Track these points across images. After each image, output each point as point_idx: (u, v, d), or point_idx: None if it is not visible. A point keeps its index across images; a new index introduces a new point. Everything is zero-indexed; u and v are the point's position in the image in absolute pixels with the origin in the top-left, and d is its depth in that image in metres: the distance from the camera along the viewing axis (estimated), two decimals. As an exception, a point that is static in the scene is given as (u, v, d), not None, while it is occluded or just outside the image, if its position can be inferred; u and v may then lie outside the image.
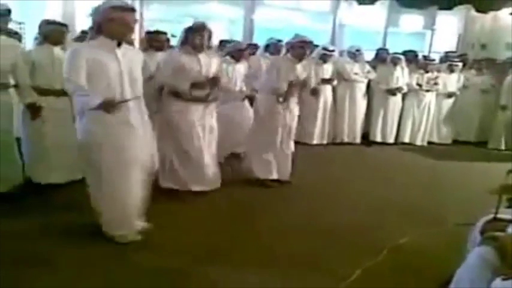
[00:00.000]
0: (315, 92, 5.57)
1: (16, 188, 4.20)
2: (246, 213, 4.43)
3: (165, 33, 5.74)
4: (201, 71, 4.39)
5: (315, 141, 7.75)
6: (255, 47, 7.47)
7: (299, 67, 5.06)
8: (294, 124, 5.31)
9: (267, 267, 3.31)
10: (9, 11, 4.23)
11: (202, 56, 4.41)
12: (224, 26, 14.87)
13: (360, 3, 12.85)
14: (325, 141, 7.85)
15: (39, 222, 3.72)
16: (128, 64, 3.33)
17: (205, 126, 4.54)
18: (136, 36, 10.24)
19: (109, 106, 3.16)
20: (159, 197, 3.97)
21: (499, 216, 2.53)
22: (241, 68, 6.00)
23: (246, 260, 3.40)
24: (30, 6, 7.31)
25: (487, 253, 2.12)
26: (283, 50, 5.57)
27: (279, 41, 6.80)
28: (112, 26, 3.19)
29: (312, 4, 12.46)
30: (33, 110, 4.21)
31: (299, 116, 7.57)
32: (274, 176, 5.23)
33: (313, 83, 5.70)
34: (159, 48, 5.44)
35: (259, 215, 4.37)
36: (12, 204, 4.01)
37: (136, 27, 12.55)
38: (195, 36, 4.34)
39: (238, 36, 12.42)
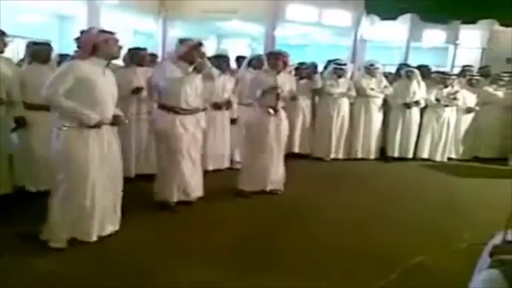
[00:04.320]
0: (294, 98, 5.64)
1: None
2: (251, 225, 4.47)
3: (145, 49, 6.00)
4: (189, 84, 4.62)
5: (329, 157, 7.74)
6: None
7: (279, 78, 5.21)
8: (284, 136, 5.43)
9: (281, 279, 3.38)
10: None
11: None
12: (246, 43, 15.09)
13: (382, 19, 12.82)
14: (340, 156, 7.82)
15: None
16: None
17: (195, 137, 4.72)
18: (159, 53, 10.52)
19: None
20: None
21: (509, 238, 2.44)
22: (226, 80, 6.28)
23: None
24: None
25: (494, 277, 2.05)
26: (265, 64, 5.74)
27: (261, 55, 6.97)
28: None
29: (333, 20, 12.49)
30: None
31: (313, 130, 7.70)
32: (259, 188, 5.37)
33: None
34: (140, 64, 5.72)
35: (269, 231, 4.37)
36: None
37: (160, 44, 12.87)
38: (195, 52, 4.56)
39: (260, 52, 12.52)
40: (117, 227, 3.95)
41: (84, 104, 3.51)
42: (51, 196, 3.63)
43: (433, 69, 8.97)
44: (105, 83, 3.66)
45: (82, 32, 3.80)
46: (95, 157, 3.62)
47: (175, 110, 4.51)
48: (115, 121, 3.79)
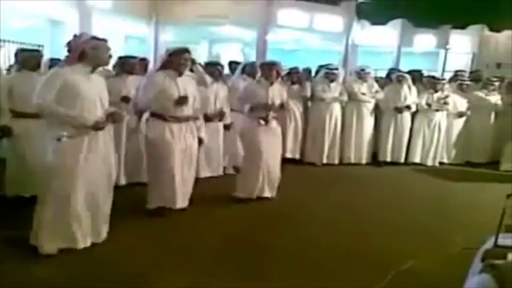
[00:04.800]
0: (283, 107, 5.58)
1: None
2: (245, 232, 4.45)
3: (135, 58, 6.00)
4: (179, 92, 4.51)
5: (321, 162, 7.75)
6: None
7: (271, 90, 5.22)
8: (277, 144, 5.44)
9: (277, 281, 3.40)
10: None
11: (180, 79, 4.56)
12: (238, 48, 15.11)
13: (373, 24, 12.91)
14: (332, 161, 7.82)
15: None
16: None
17: (185, 145, 4.62)
18: (151, 58, 10.50)
19: None
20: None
21: (500, 242, 2.45)
22: (218, 88, 6.22)
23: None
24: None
25: (486, 281, 2.06)
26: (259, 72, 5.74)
27: (254, 62, 6.99)
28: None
29: (324, 25, 12.55)
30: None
31: (306, 135, 7.70)
32: (254, 196, 5.32)
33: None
34: (131, 72, 5.71)
35: (263, 235, 4.36)
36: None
37: (152, 48, 12.87)
38: (178, 59, 4.51)
39: (252, 57, 12.57)
40: (105, 234, 3.90)
41: (71, 110, 3.47)
42: (41, 204, 3.57)
43: (425, 73, 9.02)
44: (90, 88, 3.58)
45: (75, 36, 3.77)
46: (89, 163, 3.58)
47: (166, 119, 4.49)
48: (112, 118, 3.71)
